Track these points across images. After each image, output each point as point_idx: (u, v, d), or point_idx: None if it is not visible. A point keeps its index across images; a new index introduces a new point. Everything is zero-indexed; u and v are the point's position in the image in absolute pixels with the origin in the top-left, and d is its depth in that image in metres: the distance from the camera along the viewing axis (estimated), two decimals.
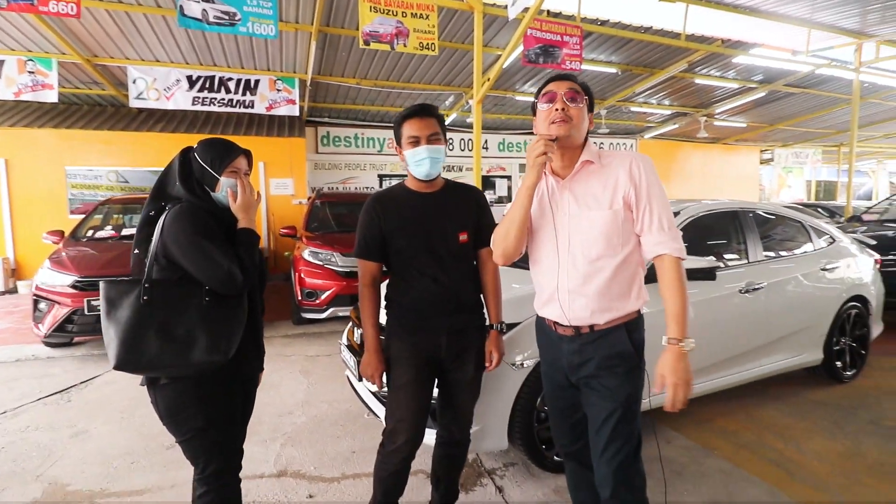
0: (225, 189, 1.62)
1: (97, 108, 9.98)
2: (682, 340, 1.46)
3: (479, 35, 6.44)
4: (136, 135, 9.22)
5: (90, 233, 5.81)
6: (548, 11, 7.41)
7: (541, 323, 1.76)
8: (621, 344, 1.56)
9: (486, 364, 2.00)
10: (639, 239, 1.57)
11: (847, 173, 10.74)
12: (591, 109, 1.61)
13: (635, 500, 1.57)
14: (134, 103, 7.99)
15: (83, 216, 6.40)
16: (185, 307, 1.52)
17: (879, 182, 23.33)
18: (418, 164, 1.82)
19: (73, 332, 4.68)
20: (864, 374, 3.96)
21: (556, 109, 1.53)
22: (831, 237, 3.93)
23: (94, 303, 4.59)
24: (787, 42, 9.29)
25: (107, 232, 5.90)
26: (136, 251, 1.59)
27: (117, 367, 1.47)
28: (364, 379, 1.98)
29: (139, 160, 9.24)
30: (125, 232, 5.95)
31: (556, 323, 1.66)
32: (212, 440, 1.58)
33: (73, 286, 4.63)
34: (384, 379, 1.96)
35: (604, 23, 7.93)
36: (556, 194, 1.62)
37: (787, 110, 13.43)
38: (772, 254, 3.48)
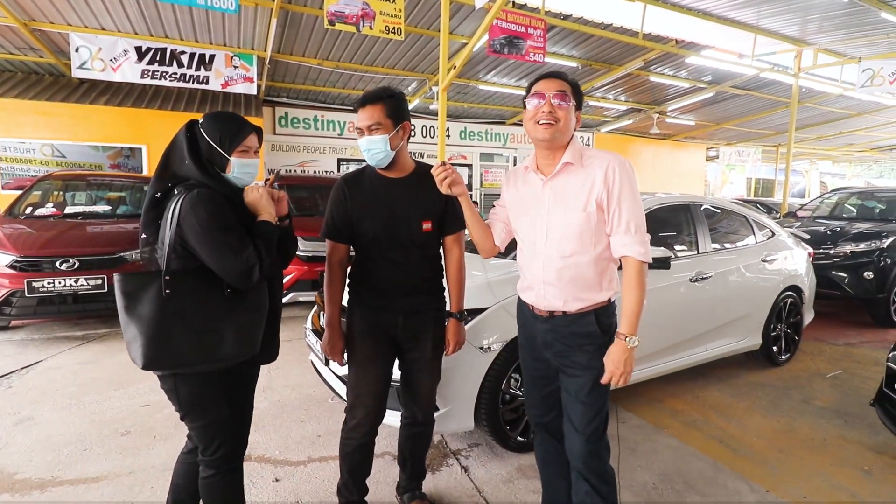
0: (235, 170, 1.56)
1: (33, 76, 9.25)
2: (629, 337, 1.58)
3: (446, 21, 6.41)
4: (77, 107, 8.63)
5: (28, 210, 5.44)
6: (513, 2, 7.47)
7: (521, 302, 1.87)
8: (589, 325, 1.67)
9: (446, 350, 2.05)
10: (607, 236, 1.65)
11: (784, 172, 11.46)
12: (578, 107, 1.66)
13: (603, 470, 1.69)
14: (77, 73, 7.47)
15: (19, 192, 5.98)
16: (209, 299, 1.47)
17: (811, 181, 25.03)
18: (365, 153, 1.84)
19: (11, 315, 4.41)
20: (797, 358, 4.30)
21: (544, 111, 1.58)
22: (771, 231, 4.22)
23: (35, 284, 4.33)
24: (735, 46, 9.79)
25: (48, 209, 5.53)
26: (144, 235, 1.54)
27: (145, 367, 1.41)
28: (328, 358, 2.00)
29: (79, 134, 8.67)
30: (69, 210, 5.61)
31: (533, 307, 1.76)
32: (229, 429, 1.60)
33: (12, 266, 4.34)
34: (345, 357, 1.99)
35: (566, 17, 8.08)
36: (539, 191, 1.70)
37: (732, 111, 14.16)
38: (719, 245, 3.71)
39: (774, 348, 4.08)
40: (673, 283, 3.21)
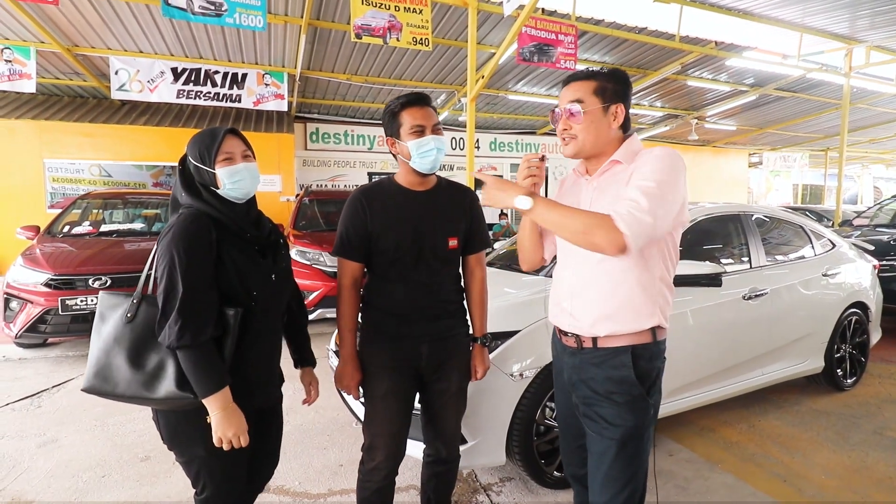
0: (225, 183, 1.43)
1: (78, 99, 9.66)
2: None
3: (474, 31, 6.31)
4: (119, 128, 8.94)
5: (67, 228, 5.56)
6: (542, 9, 7.30)
7: (553, 331, 1.65)
8: (623, 368, 1.40)
9: (473, 378, 1.88)
10: (663, 249, 1.41)
11: (834, 177, 10.79)
12: (617, 101, 1.42)
13: None
14: (116, 95, 7.73)
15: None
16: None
17: (864, 186, 23.68)
18: (424, 155, 1.66)
19: (46, 332, 4.45)
20: (864, 381, 3.90)
21: (561, 129, 1.44)
22: (831, 242, 3.86)
23: (68, 302, 4.37)
24: (779, 46, 9.31)
25: (84, 228, 5.65)
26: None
27: (84, 390, 1.36)
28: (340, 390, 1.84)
29: (122, 154, 8.96)
30: (104, 228, 5.72)
31: (561, 331, 1.55)
32: (214, 468, 1.45)
33: (47, 284, 4.40)
34: (361, 390, 1.82)
35: (598, 22, 7.84)
36: (582, 190, 1.51)
37: (776, 114, 13.50)
38: (774, 259, 3.39)
39: (839, 371, 3.70)
40: (724, 302, 2.92)
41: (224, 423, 1.34)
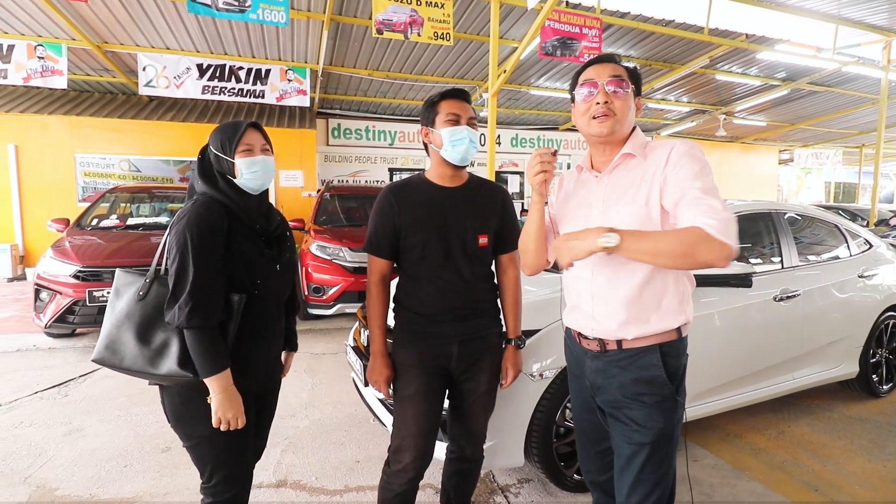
0: (243, 172, 1.48)
1: (108, 95, 9.89)
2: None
3: (496, 26, 6.24)
4: (147, 123, 9.12)
5: (95, 221, 5.70)
6: (566, 2, 7.17)
7: (568, 334, 1.58)
8: (652, 368, 1.35)
9: (501, 381, 1.84)
10: None
11: (869, 175, 10.39)
12: (638, 93, 1.40)
13: None
14: (143, 91, 7.89)
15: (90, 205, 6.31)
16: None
17: None
18: (456, 143, 1.65)
19: (74, 323, 4.57)
20: None
21: (598, 103, 1.33)
22: (867, 242, 3.69)
23: (95, 293, 4.47)
24: (813, 38, 9.02)
25: (112, 221, 5.78)
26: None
27: (94, 360, 1.42)
28: (370, 385, 1.82)
29: (150, 149, 9.15)
30: (131, 221, 5.84)
31: (580, 335, 1.48)
32: (218, 449, 1.48)
33: (76, 276, 4.51)
34: (391, 387, 1.80)
35: (624, 15, 7.68)
36: (592, 189, 1.43)
37: (808, 109, 13.05)
38: (807, 259, 3.26)
39: (874, 377, 3.55)
40: (754, 303, 2.81)
41: (224, 403, 1.39)
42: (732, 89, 11.35)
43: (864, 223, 9.39)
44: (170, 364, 1.37)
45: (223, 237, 1.41)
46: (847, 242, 3.54)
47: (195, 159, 1.55)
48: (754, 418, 3.21)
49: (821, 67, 9.88)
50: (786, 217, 3.26)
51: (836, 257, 3.44)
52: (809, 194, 20.66)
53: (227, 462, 1.50)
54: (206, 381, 1.37)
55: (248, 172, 1.48)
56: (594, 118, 1.34)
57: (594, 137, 1.38)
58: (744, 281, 2.58)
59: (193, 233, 1.35)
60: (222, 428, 1.41)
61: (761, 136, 15.75)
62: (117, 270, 1.48)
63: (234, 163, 1.47)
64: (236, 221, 1.46)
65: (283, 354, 1.79)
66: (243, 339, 1.48)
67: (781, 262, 3.08)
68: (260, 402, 1.63)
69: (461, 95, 1.70)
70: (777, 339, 2.97)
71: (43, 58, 7.35)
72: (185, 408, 1.45)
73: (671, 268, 1.24)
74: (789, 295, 2.95)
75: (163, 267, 1.44)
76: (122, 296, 1.44)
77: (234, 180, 1.50)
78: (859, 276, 3.39)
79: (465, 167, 1.75)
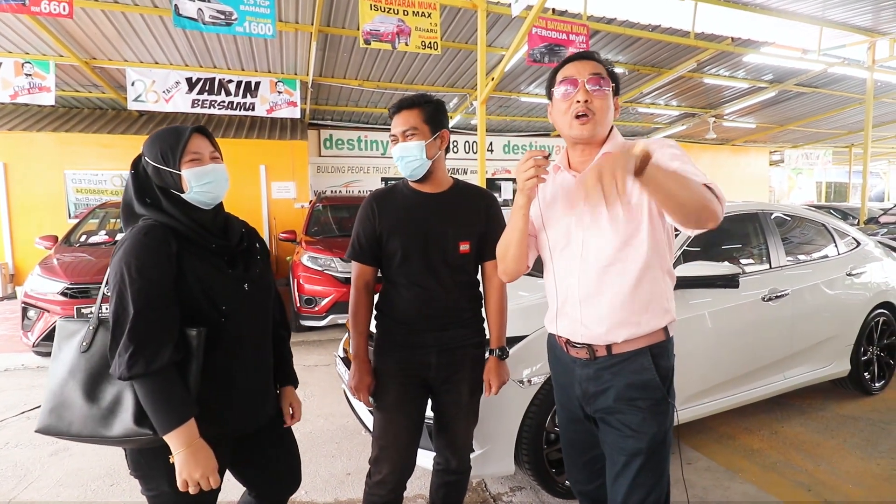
0: (193, 186, 1.28)
1: (97, 111, 9.87)
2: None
3: (483, 34, 6.28)
4: (137, 138, 9.08)
5: (84, 238, 5.66)
6: (553, 10, 7.23)
7: (552, 342, 1.54)
8: (645, 372, 1.33)
9: (484, 392, 1.81)
10: (664, 238, 1.34)
11: (859, 174, 10.48)
12: (616, 93, 1.38)
13: None
14: (132, 105, 7.87)
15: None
16: None
17: (891, 183, 22.98)
18: (398, 161, 1.66)
19: None
20: (893, 385, 3.72)
21: (578, 101, 1.30)
22: (855, 240, 3.71)
23: (84, 310, 4.43)
24: (798, 40, 9.09)
25: (101, 237, 5.74)
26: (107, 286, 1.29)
27: (38, 431, 1.22)
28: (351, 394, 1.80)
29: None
30: (119, 237, 5.79)
31: (568, 342, 1.44)
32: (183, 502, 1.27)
33: (63, 293, 4.47)
34: (371, 396, 1.78)
35: (611, 21, 7.74)
36: (572, 190, 1.40)
37: (797, 110, 13.17)
38: (795, 258, 3.27)
39: (866, 375, 3.55)
40: (742, 303, 2.81)
41: (190, 462, 1.17)
42: (721, 92, 11.45)
43: (855, 222, 9.45)
44: (124, 422, 1.16)
45: (170, 264, 1.21)
46: (835, 241, 3.56)
47: (129, 172, 1.31)
48: (747, 419, 3.20)
49: (807, 69, 9.98)
50: (773, 217, 3.27)
51: (825, 256, 3.45)
52: (801, 194, 20.82)
53: None
54: (165, 438, 1.15)
55: (198, 185, 1.29)
56: (576, 119, 1.31)
57: (574, 139, 1.37)
58: (730, 282, 2.58)
59: (131, 264, 1.16)
60: (191, 490, 1.19)
61: (751, 137, 15.86)
62: (58, 320, 1.29)
63: (180, 175, 1.27)
64: (187, 243, 1.26)
65: (280, 391, 1.56)
66: (214, 379, 1.27)
67: (769, 262, 3.09)
68: (260, 439, 1.45)
69: (398, 108, 1.65)
70: (767, 340, 2.97)
71: (30, 75, 7.34)
72: (145, 459, 1.25)
73: (676, 212, 1.14)
74: (778, 295, 2.95)
75: (105, 309, 1.23)
76: (63, 349, 1.24)
77: (182, 195, 1.29)
78: (848, 275, 3.40)
79: (422, 179, 1.68)
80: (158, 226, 1.24)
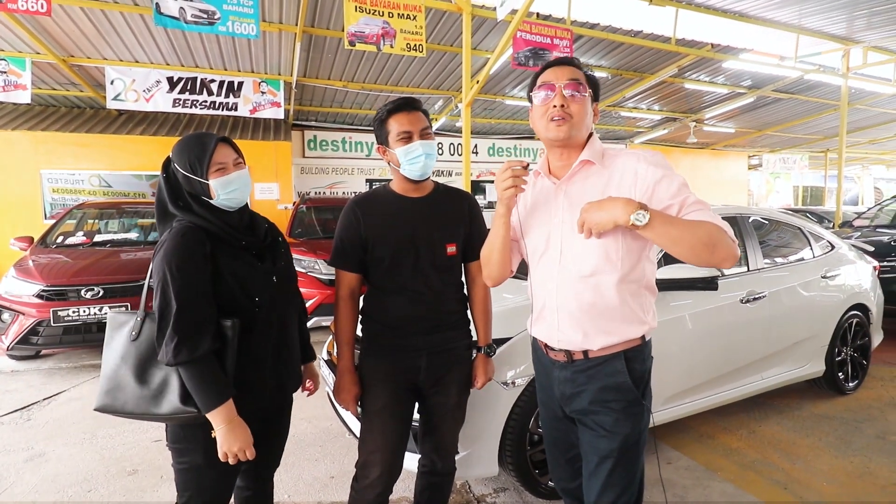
0: (220, 194, 1.41)
1: (75, 110, 9.66)
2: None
3: (468, 37, 6.31)
4: (116, 137, 8.93)
5: (60, 239, 5.53)
6: (537, 14, 7.29)
7: (535, 344, 1.57)
8: (618, 375, 1.35)
9: (474, 388, 1.82)
10: (647, 255, 1.36)
11: (834, 178, 10.75)
12: (595, 99, 1.40)
13: None
14: (111, 104, 7.73)
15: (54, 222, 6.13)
16: None
17: (865, 187, 23.61)
18: (412, 161, 1.62)
19: (38, 344, 4.41)
20: (866, 384, 3.83)
21: (554, 105, 1.32)
22: (830, 243, 3.81)
23: (60, 313, 4.33)
24: (776, 47, 9.30)
25: (79, 238, 5.61)
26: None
27: (97, 409, 1.38)
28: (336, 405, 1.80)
29: (120, 164, 8.94)
30: (99, 238, 5.68)
31: (546, 345, 1.47)
32: (206, 482, 1.43)
33: (39, 295, 4.36)
34: (359, 404, 1.77)
35: (594, 26, 7.83)
36: (551, 197, 1.42)
37: (775, 116, 13.48)
38: (771, 261, 3.34)
39: (840, 375, 3.64)
40: (721, 305, 2.87)
41: (230, 437, 1.34)
42: (701, 97, 11.67)
43: (830, 225, 9.69)
44: (172, 402, 1.32)
45: (206, 263, 1.35)
46: (810, 244, 3.65)
47: (160, 175, 1.45)
48: (726, 419, 3.26)
49: (784, 75, 10.22)
50: (751, 221, 3.34)
51: (801, 259, 3.53)
52: (778, 198, 21.28)
53: (210, 496, 1.45)
54: (207, 416, 1.32)
55: (224, 193, 1.41)
56: (552, 121, 1.33)
57: (551, 141, 1.38)
58: (710, 284, 2.64)
59: (172, 264, 1.30)
60: (231, 461, 1.36)
61: (731, 142, 16.19)
62: (109, 311, 1.44)
63: (208, 184, 1.39)
64: (219, 242, 1.39)
65: (302, 368, 1.72)
66: (250, 360, 1.43)
67: (747, 264, 3.16)
68: (274, 417, 1.60)
69: (408, 106, 1.63)
70: (745, 341, 3.03)
71: (5, 72, 7.16)
72: (187, 433, 1.40)
73: (687, 258, 1.19)
74: (755, 297, 3.02)
75: (153, 304, 1.39)
76: (115, 338, 1.40)
77: (211, 201, 1.42)
78: (822, 277, 3.49)
79: (418, 182, 1.70)
80: (194, 227, 1.37)
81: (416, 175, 1.65)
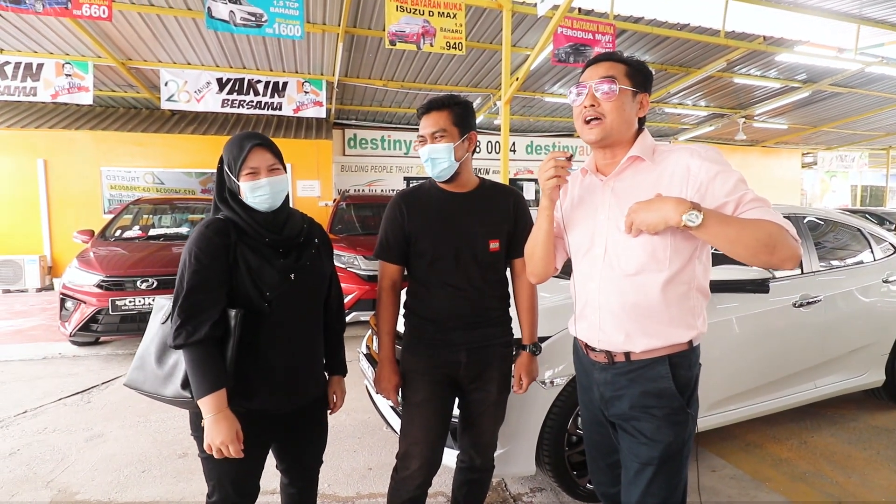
0: (248, 196, 1.43)
1: (132, 110, 10.19)
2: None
3: (508, 34, 6.27)
4: (169, 136, 9.37)
5: (119, 232, 5.85)
6: (579, 9, 7.18)
7: (576, 344, 1.55)
8: (662, 380, 1.30)
9: (514, 388, 1.82)
10: (698, 256, 1.31)
11: None
12: (645, 90, 1.35)
13: None
14: (165, 105, 8.11)
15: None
16: None
17: None
18: (426, 163, 1.68)
19: (97, 331, 4.68)
20: None
21: (585, 106, 1.30)
22: (892, 246, 3.58)
23: (118, 302, 4.58)
24: (834, 39, 8.83)
25: (135, 232, 5.93)
26: None
27: (126, 385, 1.46)
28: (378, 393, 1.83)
29: (172, 161, 9.38)
30: (152, 232, 5.98)
31: (587, 345, 1.44)
32: (221, 470, 1.45)
33: (99, 285, 4.63)
34: (399, 394, 1.80)
35: (638, 20, 7.63)
36: (598, 193, 1.39)
37: (832, 111, 12.76)
38: (828, 264, 3.18)
39: None
40: (772, 309, 2.75)
41: (214, 428, 1.31)
42: (751, 92, 11.17)
43: (893, 227, 9.11)
44: (174, 385, 1.36)
45: (226, 253, 1.38)
46: (871, 247, 3.45)
47: (216, 171, 1.52)
48: (775, 428, 3.13)
49: (843, 68, 9.66)
50: (805, 221, 3.19)
51: (860, 262, 3.35)
52: (835, 198, 20.19)
53: (229, 484, 1.46)
54: (198, 403, 1.31)
55: (252, 196, 1.43)
56: (586, 123, 1.32)
57: (587, 142, 1.36)
58: (761, 287, 2.52)
59: (192, 252, 1.35)
60: (214, 455, 1.33)
61: (783, 139, 15.44)
62: (157, 297, 1.53)
63: (239, 186, 1.43)
64: (245, 236, 1.43)
65: (331, 379, 1.69)
66: (254, 358, 1.42)
67: (801, 267, 3.02)
68: (297, 420, 1.56)
69: (427, 109, 1.66)
70: (797, 347, 2.90)
71: (70, 75, 7.62)
72: (197, 421, 1.41)
73: (745, 259, 1.14)
74: (810, 301, 2.88)
75: None
76: (154, 321, 1.47)
77: (244, 200, 1.45)
78: (884, 282, 3.30)
79: (449, 180, 1.70)
80: (222, 219, 1.43)
81: (434, 176, 1.70)
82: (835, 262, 3.25)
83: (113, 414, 3.46)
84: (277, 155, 1.49)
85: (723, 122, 12.96)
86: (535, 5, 5.89)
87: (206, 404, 1.31)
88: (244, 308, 1.39)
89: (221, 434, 1.32)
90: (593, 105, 1.29)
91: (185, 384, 1.34)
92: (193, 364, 1.32)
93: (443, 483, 2.50)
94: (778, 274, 2.91)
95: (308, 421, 1.61)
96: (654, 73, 1.43)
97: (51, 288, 8.60)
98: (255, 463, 1.50)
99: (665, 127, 13.71)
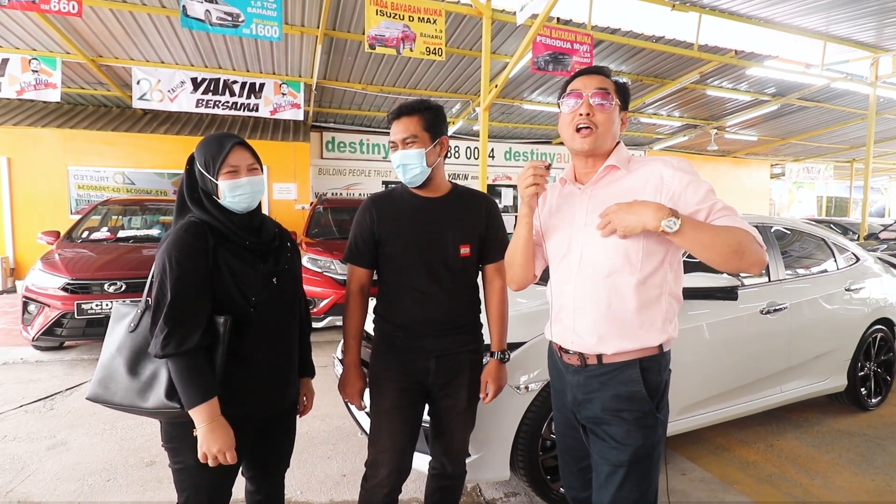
0: (226, 196, 1.40)
1: (102, 108, 9.91)
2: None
3: (488, 41, 6.32)
4: (140, 136, 9.14)
5: (86, 234, 5.67)
6: (558, 18, 7.28)
7: (550, 347, 1.57)
8: (632, 384, 1.33)
9: (481, 395, 1.81)
10: (669, 261, 1.35)
11: (860, 189, 10.50)
12: (624, 108, 1.40)
13: None
14: (137, 104, 7.91)
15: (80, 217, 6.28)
16: None
17: (891, 199, 23.03)
18: (398, 170, 1.67)
19: (62, 335, 4.51)
20: (889, 401, 3.73)
21: (580, 114, 1.33)
22: (855, 256, 3.72)
23: (84, 306, 4.44)
24: (802, 55, 9.14)
25: (103, 233, 5.75)
26: None
27: (88, 398, 1.38)
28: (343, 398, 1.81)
29: (144, 162, 9.15)
30: (122, 234, 5.81)
31: (561, 348, 1.47)
32: (201, 481, 1.41)
33: (64, 288, 4.47)
34: (366, 399, 1.79)
35: (615, 31, 7.79)
36: (576, 200, 1.43)
37: (799, 124, 13.23)
38: (793, 272, 3.28)
39: (863, 390, 3.55)
40: (740, 316, 2.83)
41: (209, 437, 1.30)
42: (723, 104, 11.51)
43: (855, 237, 9.46)
44: (158, 396, 1.30)
45: (206, 258, 1.35)
46: (834, 256, 3.57)
47: (183, 171, 1.48)
48: (743, 431, 3.21)
49: (810, 83, 10.03)
50: (772, 231, 3.29)
51: (824, 271, 3.46)
52: (801, 208, 20.89)
53: (206, 496, 1.43)
54: (190, 412, 1.28)
55: (231, 196, 1.41)
56: (577, 131, 1.35)
57: (576, 151, 1.40)
58: (730, 294, 2.60)
59: (172, 256, 1.31)
60: (210, 463, 1.32)
61: (753, 150, 15.92)
62: (115, 304, 1.46)
63: (217, 184, 1.40)
64: (223, 240, 1.40)
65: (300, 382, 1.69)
66: (241, 363, 1.41)
67: (768, 275, 3.11)
68: (271, 423, 1.57)
69: (398, 114, 1.65)
70: (764, 352, 2.98)
71: (37, 71, 7.38)
72: (177, 431, 1.38)
73: (716, 264, 1.20)
74: (776, 308, 2.97)
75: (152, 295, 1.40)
76: (115, 329, 1.41)
77: (219, 201, 1.43)
78: (846, 290, 3.42)
79: (421, 185, 1.70)
80: (199, 223, 1.38)
81: (405, 181, 1.69)
82: (800, 271, 3.36)
83: (77, 421, 3.34)
84: (255, 156, 1.49)
85: (696, 133, 13.30)
86: (515, 14, 5.96)
87: (200, 413, 1.29)
88: (230, 314, 1.36)
89: (218, 442, 1.30)
90: (589, 114, 1.33)
91: (171, 394, 1.30)
92: (183, 373, 1.28)
93: (417, 489, 2.48)
94: (746, 281, 3.00)
95: (281, 425, 1.61)
96: (629, 83, 1.47)
97: (13, 290, 8.28)
98: (233, 471, 1.47)
99: (640, 136, 14.00)
